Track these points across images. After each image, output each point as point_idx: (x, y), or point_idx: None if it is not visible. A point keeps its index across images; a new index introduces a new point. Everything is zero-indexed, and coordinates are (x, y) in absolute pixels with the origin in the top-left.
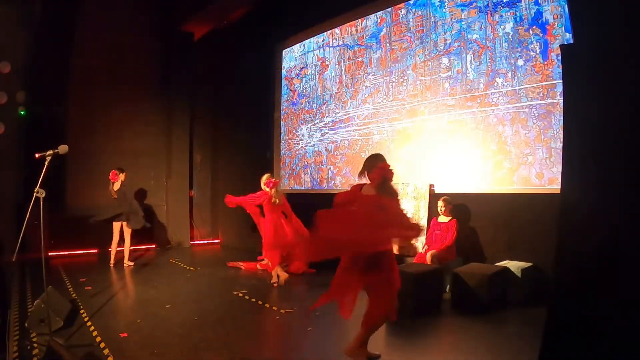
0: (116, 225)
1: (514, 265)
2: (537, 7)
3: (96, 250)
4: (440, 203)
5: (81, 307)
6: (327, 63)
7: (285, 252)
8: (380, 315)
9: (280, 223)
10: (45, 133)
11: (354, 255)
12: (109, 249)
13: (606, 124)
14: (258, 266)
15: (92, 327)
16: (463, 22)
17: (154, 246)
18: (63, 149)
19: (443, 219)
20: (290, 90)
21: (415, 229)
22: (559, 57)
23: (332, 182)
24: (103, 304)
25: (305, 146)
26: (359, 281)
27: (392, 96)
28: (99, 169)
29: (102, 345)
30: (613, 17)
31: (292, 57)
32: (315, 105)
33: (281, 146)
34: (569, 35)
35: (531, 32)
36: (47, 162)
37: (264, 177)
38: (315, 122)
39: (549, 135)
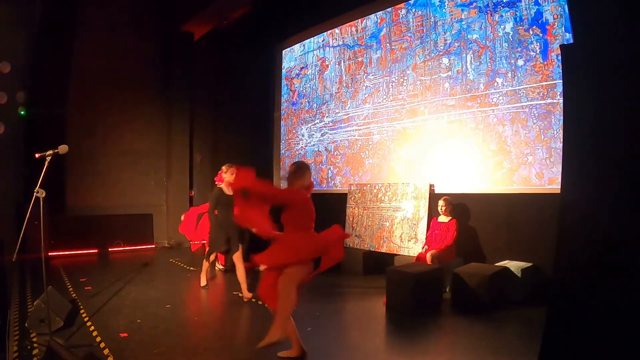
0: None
1: (514, 265)
2: (537, 7)
3: (96, 250)
4: (440, 203)
5: (81, 307)
6: (327, 63)
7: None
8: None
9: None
10: (45, 133)
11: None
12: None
13: (606, 124)
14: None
15: (92, 327)
16: (463, 22)
17: (153, 246)
18: (63, 149)
19: (443, 218)
20: (290, 90)
21: None
22: (559, 57)
23: (332, 182)
24: (103, 304)
25: (305, 146)
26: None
27: (392, 96)
28: (99, 169)
29: (102, 345)
30: (613, 17)
31: (292, 57)
32: (315, 105)
33: (281, 146)
34: (569, 35)
35: (531, 32)
36: (47, 162)
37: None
38: (315, 122)
39: (549, 135)
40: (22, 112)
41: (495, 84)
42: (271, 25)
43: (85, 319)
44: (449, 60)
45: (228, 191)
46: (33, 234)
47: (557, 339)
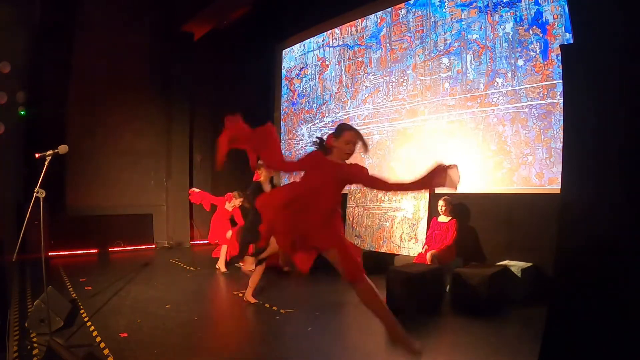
0: None
1: (514, 265)
2: (537, 7)
3: (96, 250)
4: (440, 203)
5: (81, 307)
6: (327, 63)
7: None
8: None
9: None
10: (45, 133)
11: None
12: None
13: (606, 124)
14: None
15: (92, 327)
16: (463, 22)
17: (153, 246)
18: (63, 149)
19: (443, 219)
20: (290, 90)
21: None
22: (559, 57)
23: None
24: (103, 304)
25: (305, 146)
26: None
27: (392, 96)
28: (99, 169)
29: (102, 345)
30: (613, 17)
31: (292, 57)
32: (315, 105)
33: (281, 146)
34: (569, 35)
35: (531, 32)
36: (47, 162)
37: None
38: (315, 122)
39: (549, 135)
40: (22, 112)
41: (495, 84)
42: (271, 25)
43: (85, 319)
44: (449, 60)
45: (267, 187)
46: (33, 234)
47: (557, 339)
